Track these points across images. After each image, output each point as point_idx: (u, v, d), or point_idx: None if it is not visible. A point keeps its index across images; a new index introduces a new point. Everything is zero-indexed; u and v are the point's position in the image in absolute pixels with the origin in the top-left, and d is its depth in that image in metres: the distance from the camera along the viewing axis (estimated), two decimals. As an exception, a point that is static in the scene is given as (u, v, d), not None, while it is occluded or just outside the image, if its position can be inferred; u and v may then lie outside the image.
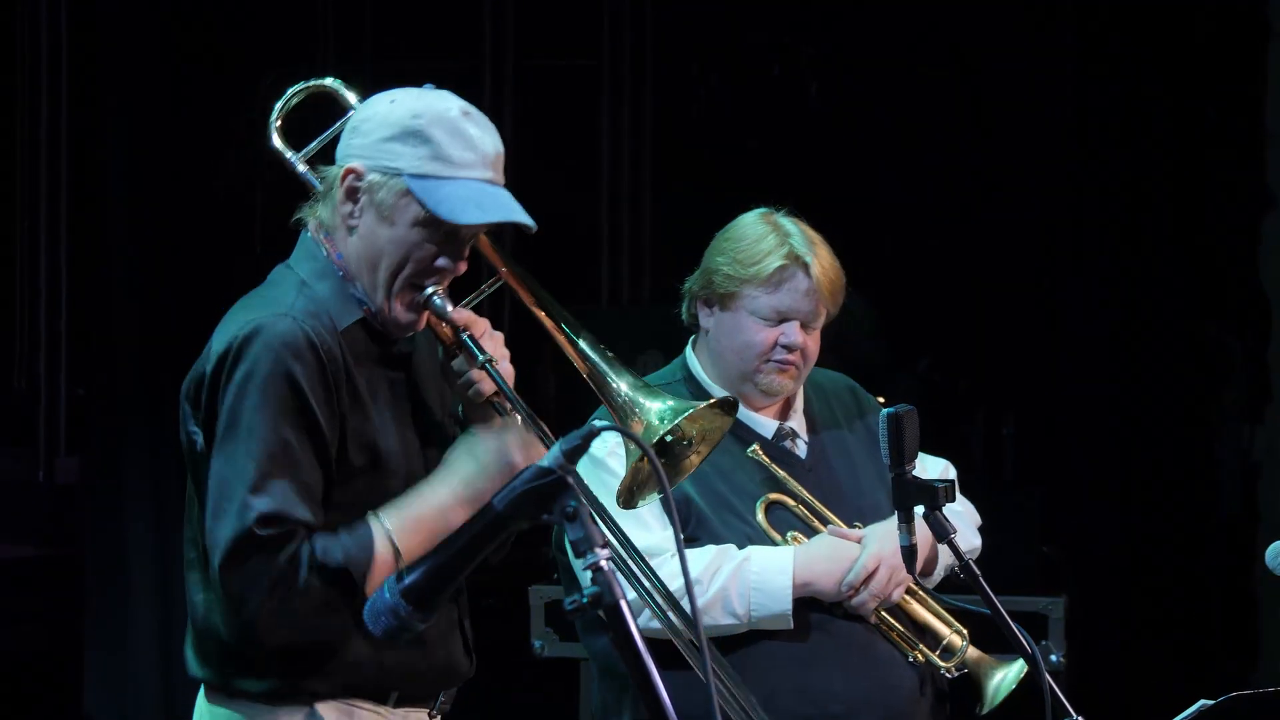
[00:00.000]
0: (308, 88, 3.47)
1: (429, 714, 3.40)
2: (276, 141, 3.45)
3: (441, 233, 3.25)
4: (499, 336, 3.32)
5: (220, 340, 3.23)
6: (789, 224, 3.98)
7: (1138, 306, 6.57)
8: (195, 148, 6.56)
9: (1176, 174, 6.57)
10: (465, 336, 3.29)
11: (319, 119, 3.43)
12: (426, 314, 3.30)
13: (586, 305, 6.73)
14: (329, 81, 3.47)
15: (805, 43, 6.79)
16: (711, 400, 3.39)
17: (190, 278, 6.42)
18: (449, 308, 3.29)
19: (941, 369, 6.90)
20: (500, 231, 3.35)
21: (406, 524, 3.21)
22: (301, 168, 3.42)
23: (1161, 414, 6.56)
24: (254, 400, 3.16)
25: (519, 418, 3.28)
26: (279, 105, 3.46)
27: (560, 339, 3.39)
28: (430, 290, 3.27)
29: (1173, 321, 6.58)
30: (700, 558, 3.85)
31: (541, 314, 3.41)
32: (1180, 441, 6.58)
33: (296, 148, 3.43)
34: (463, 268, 3.31)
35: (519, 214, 3.26)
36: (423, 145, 3.23)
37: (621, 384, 3.34)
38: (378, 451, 3.26)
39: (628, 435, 2.78)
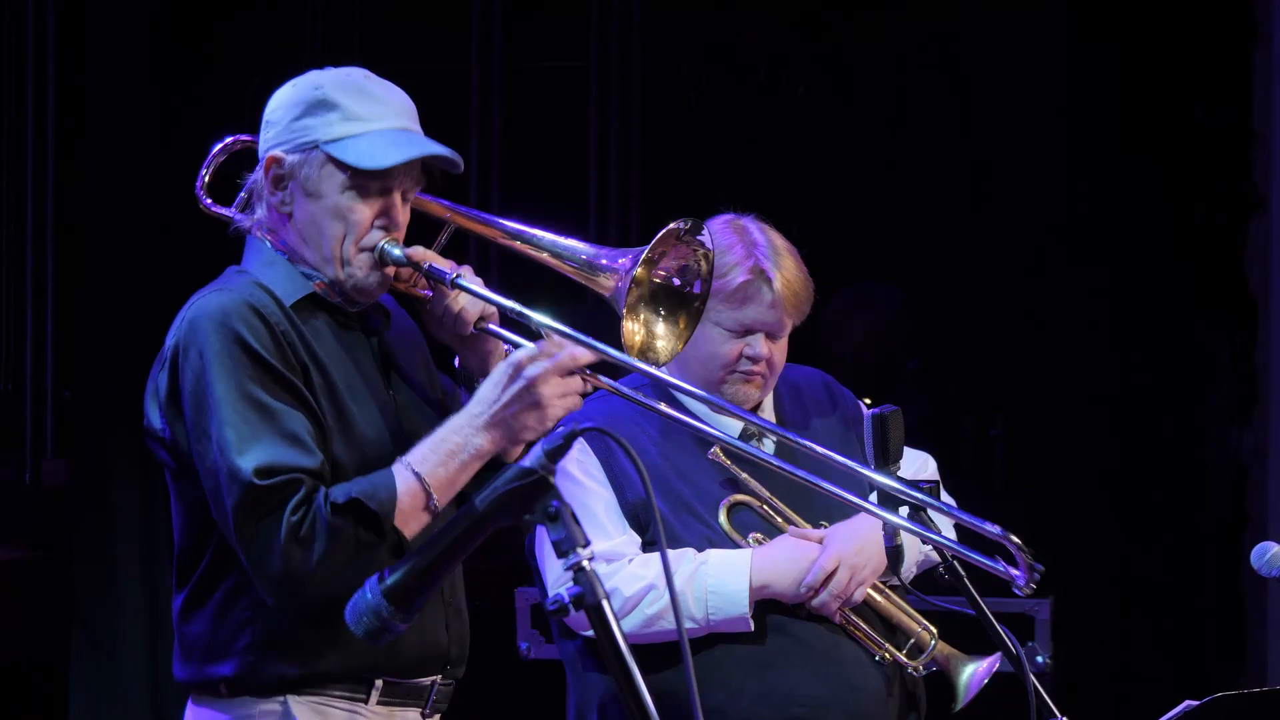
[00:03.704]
0: (227, 145, 3.46)
1: (422, 714, 3.37)
2: (209, 202, 3.45)
3: (373, 191, 3.25)
4: (467, 268, 3.31)
5: (169, 334, 3.25)
6: (756, 232, 3.93)
7: (1126, 308, 6.57)
8: (182, 149, 6.54)
9: (1165, 175, 6.57)
10: (428, 266, 3.29)
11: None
12: (391, 269, 3.29)
13: (573, 306, 6.71)
14: (246, 137, 3.45)
15: (793, 44, 6.79)
16: (664, 230, 3.32)
17: (177, 279, 6.39)
18: (403, 251, 3.28)
19: (930, 370, 6.89)
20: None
21: (423, 449, 3.18)
22: (239, 217, 3.40)
23: (1149, 415, 6.56)
24: (211, 374, 3.16)
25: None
26: (205, 166, 3.44)
27: (516, 244, 3.37)
28: (381, 242, 3.26)
29: (1161, 323, 6.58)
30: (656, 562, 3.81)
31: (491, 230, 3.39)
32: (1168, 443, 6.58)
33: (227, 203, 3.43)
34: (404, 224, 3.30)
35: (438, 148, 3.26)
36: (330, 111, 3.24)
37: (582, 251, 3.33)
38: (347, 414, 3.25)
39: (611, 436, 2.76)
